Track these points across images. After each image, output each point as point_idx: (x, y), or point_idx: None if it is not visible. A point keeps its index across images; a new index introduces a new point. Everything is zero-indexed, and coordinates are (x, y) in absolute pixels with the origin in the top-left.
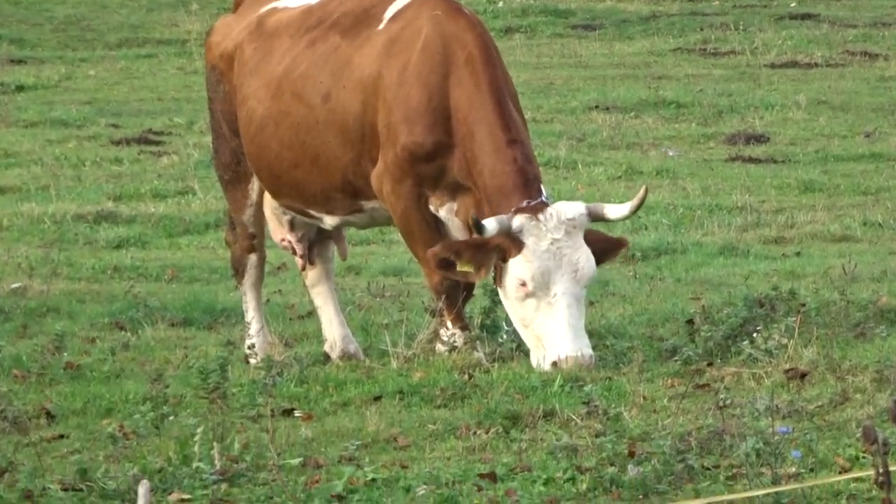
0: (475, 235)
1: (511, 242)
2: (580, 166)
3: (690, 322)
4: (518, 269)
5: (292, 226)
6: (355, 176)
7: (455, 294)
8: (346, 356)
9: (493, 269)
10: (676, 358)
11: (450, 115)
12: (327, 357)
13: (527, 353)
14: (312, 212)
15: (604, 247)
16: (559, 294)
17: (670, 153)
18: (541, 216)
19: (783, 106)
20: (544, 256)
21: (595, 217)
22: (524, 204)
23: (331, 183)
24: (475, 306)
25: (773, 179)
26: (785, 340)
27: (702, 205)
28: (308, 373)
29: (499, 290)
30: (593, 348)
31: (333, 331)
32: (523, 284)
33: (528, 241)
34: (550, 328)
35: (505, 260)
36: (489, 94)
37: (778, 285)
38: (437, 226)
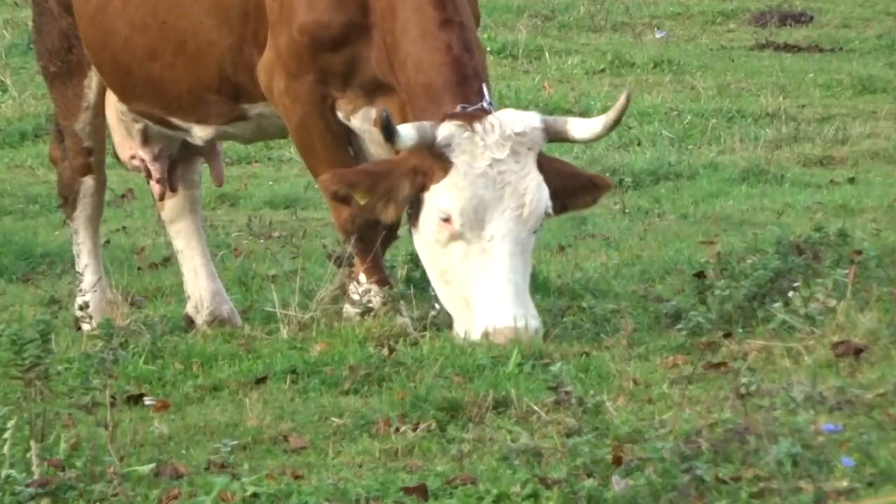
0: (402, 155)
1: (434, 162)
2: (547, 55)
3: (700, 275)
4: (442, 198)
5: (146, 138)
6: (235, 69)
7: (371, 235)
8: (216, 321)
9: (407, 203)
10: (680, 326)
11: None
12: (191, 322)
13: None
14: (176, 120)
15: (569, 184)
16: (497, 237)
17: (658, 34)
18: (478, 126)
19: None
20: (479, 182)
21: (554, 135)
22: (457, 109)
23: (202, 79)
24: (399, 251)
25: (818, 75)
26: (833, 302)
27: (717, 110)
28: (163, 344)
29: (413, 233)
30: (562, 310)
31: (200, 285)
32: (447, 220)
33: (458, 160)
34: (481, 284)
35: (424, 188)
36: None
37: (823, 224)
38: (347, 139)
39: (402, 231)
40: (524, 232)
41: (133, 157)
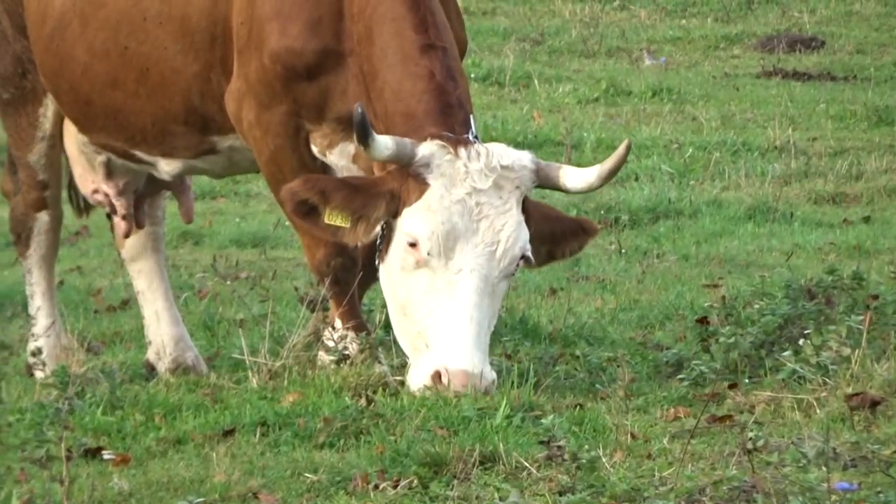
0: (381, 175)
1: (410, 184)
2: (536, 83)
3: (703, 321)
4: (411, 220)
5: (109, 172)
6: (203, 99)
7: (347, 276)
8: (180, 368)
9: (379, 228)
10: (682, 376)
11: (342, 8)
12: (152, 369)
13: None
14: (140, 153)
15: (556, 230)
16: (465, 270)
17: (648, 60)
18: (462, 151)
19: None
20: (454, 209)
21: (545, 180)
22: (433, 135)
23: (167, 110)
24: (377, 294)
25: (830, 106)
26: (847, 351)
27: (721, 143)
28: (123, 394)
29: (378, 264)
30: (555, 358)
31: (162, 330)
32: (414, 245)
33: (436, 181)
34: (441, 319)
35: (397, 214)
36: None
37: (836, 267)
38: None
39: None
40: (496, 271)
41: (96, 192)
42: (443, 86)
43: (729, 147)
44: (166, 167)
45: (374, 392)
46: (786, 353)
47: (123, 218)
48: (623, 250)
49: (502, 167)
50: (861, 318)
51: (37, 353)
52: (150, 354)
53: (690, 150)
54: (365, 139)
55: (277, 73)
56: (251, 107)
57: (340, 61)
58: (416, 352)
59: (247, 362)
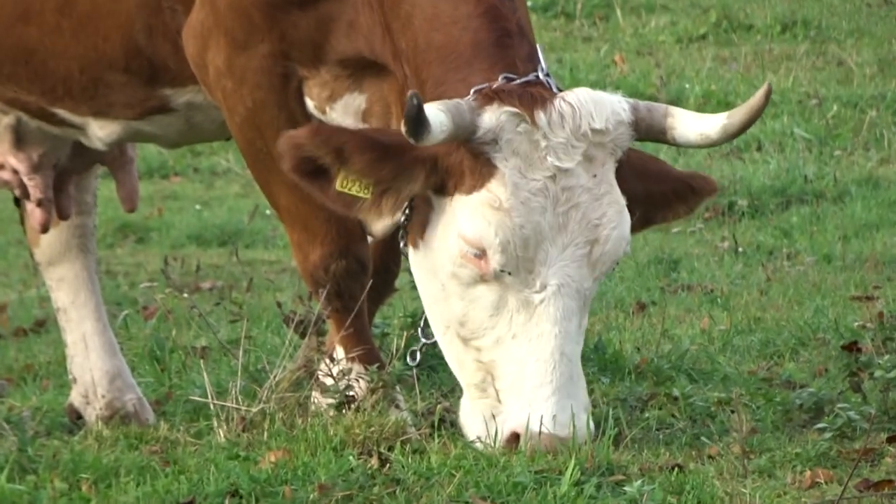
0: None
1: (467, 159)
2: (619, 14)
3: (853, 348)
4: (474, 221)
5: (19, 139)
6: (151, 37)
7: (352, 286)
8: (116, 415)
9: (407, 208)
10: (823, 425)
11: None
12: (78, 417)
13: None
14: (63, 112)
15: (657, 191)
16: (551, 287)
17: None
18: (540, 116)
19: None
20: (534, 203)
21: (647, 132)
22: (500, 81)
23: (100, 52)
24: (395, 310)
25: None
26: None
27: (879, 98)
28: (38, 452)
29: (411, 258)
30: (644, 400)
31: (92, 363)
32: (479, 256)
33: (507, 165)
34: (518, 357)
35: (444, 191)
36: None
37: None
38: None
39: (401, 280)
40: (589, 280)
41: (1, 167)
42: (495, 6)
43: (889, 103)
44: (99, 132)
45: (390, 449)
46: None
47: (39, 204)
48: (740, 249)
49: (593, 131)
50: None
51: None
52: (76, 396)
53: (835, 108)
54: (419, 134)
55: None
56: (220, 47)
57: None
58: (475, 388)
59: (211, 407)
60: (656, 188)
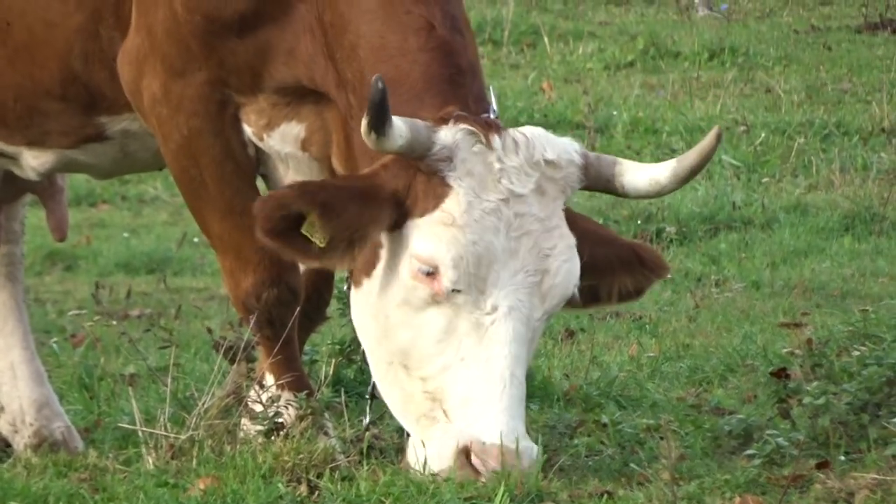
0: (374, 168)
1: (420, 182)
2: (546, 41)
3: (781, 375)
4: (427, 239)
5: None
6: (88, 64)
7: (284, 313)
8: (45, 443)
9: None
10: (752, 452)
11: None
12: (7, 446)
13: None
14: None
15: (601, 255)
16: (502, 309)
17: (703, 10)
18: (495, 139)
19: None
20: (487, 223)
21: (594, 180)
22: (451, 113)
23: (36, 80)
24: (324, 337)
25: None
26: None
27: (807, 125)
28: None
29: (353, 298)
30: (573, 427)
31: (20, 391)
32: (432, 274)
33: (461, 183)
34: (467, 378)
35: (396, 225)
36: None
37: None
38: (255, 170)
39: (331, 308)
40: (538, 311)
41: None
42: (448, 41)
43: (817, 130)
44: (33, 161)
45: (319, 476)
46: None
47: None
48: (669, 276)
49: (546, 163)
50: None
51: None
52: (3, 425)
53: (763, 135)
54: (381, 126)
55: (196, 24)
56: (156, 73)
57: (286, 8)
58: (422, 419)
59: (140, 434)
60: (600, 251)
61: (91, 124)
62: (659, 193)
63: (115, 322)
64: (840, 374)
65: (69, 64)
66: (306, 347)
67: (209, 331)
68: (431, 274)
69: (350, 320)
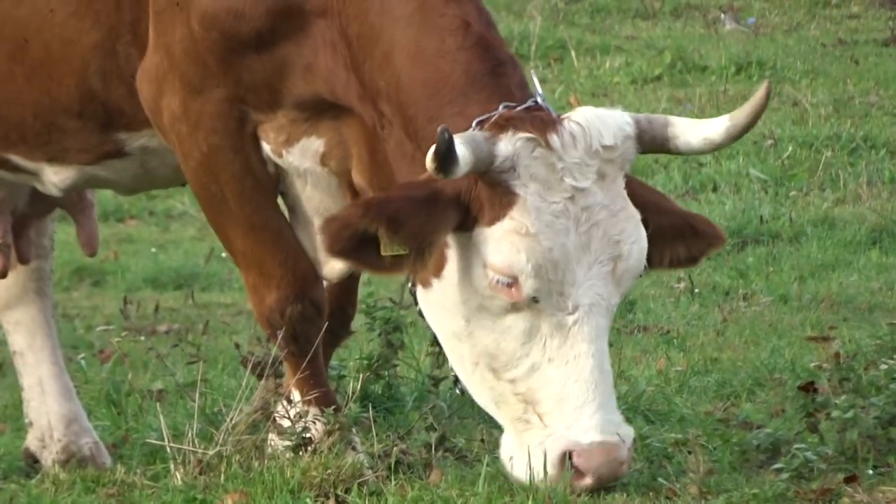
0: (425, 176)
1: (486, 190)
2: (574, 55)
3: (809, 389)
4: (502, 250)
5: None
6: (106, 81)
7: (309, 329)
8: (73, 459)
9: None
10: (780, 466)
11: None
12: (34, 461)
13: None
14: (17, 159)
15: (663, 224)
16: (583, 307)
17: (730, 24)
18: (554, 138)
19: None
20: (558, 225)
21: (650, 144)
22: (500, 110)
23: (55, 97)
24: (351, 352)
25: None
26: None
27: (834, 138)
28: None
29: (422, 298)
30: None
31: (48, 407)
32: (511, 284)
33: (528, 191)
34: (555, 379)
35: (462, 228)
36: None
37: None
38: (275, 186)
39: (357, 323)
40: (616, 297)
41: None
42: (484, 36)
43: (845, 144)
44: (54, 177)
45: (347, 491)
46: None
47: None
48: (696, 290)
49: (604, 148)
50: None
51: None
52: (32, 440)
53: (790, 149)
54: (449, 168)
55: (213, 42)
56: (175, 91)
57: (304, 24)
58: (517, 422)
59: (168, 450)
60: (656, 219)
61: (110, 141)
62: (714, 149)
63: (142, 337)
64: (868, 388)
65: (87, 81)
66: (333, 362)
67: (237, 346)
68: (510, 284)
69: (376, 332)
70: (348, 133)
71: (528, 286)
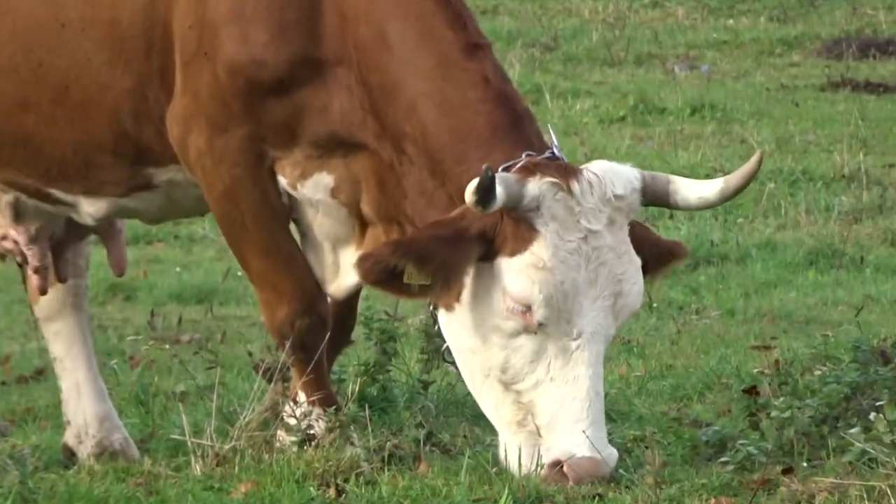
0: (459, 211)
1: (511, 225)
2: (548, 98)
3: (752, 392)
4: (520, 280)
5: (18, 214)
6: (137, 122)
7: (313, 339)
8: (106, 453)
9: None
10: (726, 459)
11: (320, 4)
12: (72, 454)
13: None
14: (57, 192)
15: (648, 255)
16: (586, 334)
17: (684, 71)
18: (575, 185)
19: None
20: (570, 261)
21: (652, 197)
22: (523, 157)
23: (91, 136)
24: (350, 359)
25: None
26: None
27: (776, 172)
28: (36, 484)
29: (443, 319)
30: None
31: (84, 407)
32: (526, 311)
33: (547, 228)
34: (557, 396)
35: (485, 258)
36: None
37: None
38: (289, 216)
39: (355, 333)
40: (612, 328)
41: (3, 238)
42: (503, 90)
43: (786, 176)
44: (89, 208)
45: (346, 481)
46: (853, 431)
47: (35, 271)
48: (653, 304)
49: (616, 198)
50: None
51: None
52: (70, 436)
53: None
54: (488, 203)
55: (237, 88)
56: (201, 130)
57: (320, 71)
58: (513, 426)
59: (189, 444)
60: (649, 253)
61: (140, 175)
62: (707, 207)
63: (167, 346)
64: (804, 391)
65: (120, 122)
66: (335, 367)
67: (250, 354)
68: (524, 311)
69: (373, 341)
70: (357, 169)
71: (539, 314)
